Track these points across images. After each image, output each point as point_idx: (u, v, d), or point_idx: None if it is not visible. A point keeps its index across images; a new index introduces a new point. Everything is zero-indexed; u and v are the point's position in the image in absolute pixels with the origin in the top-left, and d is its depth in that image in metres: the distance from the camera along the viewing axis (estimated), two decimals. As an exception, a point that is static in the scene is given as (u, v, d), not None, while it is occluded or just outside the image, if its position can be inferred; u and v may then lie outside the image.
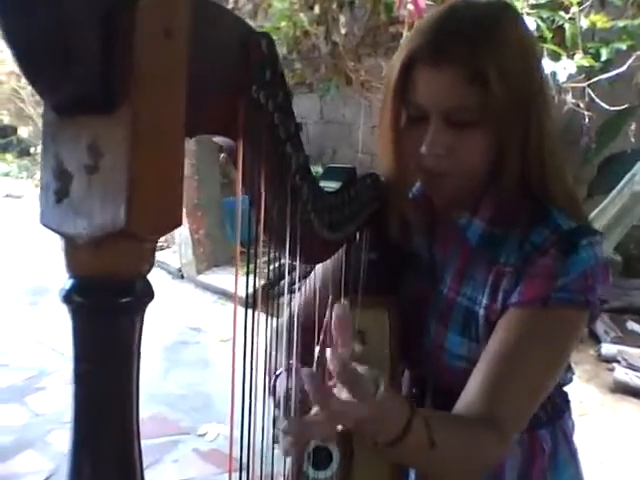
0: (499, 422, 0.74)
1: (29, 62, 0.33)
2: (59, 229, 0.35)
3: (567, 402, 0.97)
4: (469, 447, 0.75)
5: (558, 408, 0.94)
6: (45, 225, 0.36)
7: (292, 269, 0.69)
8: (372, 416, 0.62)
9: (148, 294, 0.37)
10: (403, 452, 0.68)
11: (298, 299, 0.86)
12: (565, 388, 0.96)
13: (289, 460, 0.79)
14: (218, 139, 0.50)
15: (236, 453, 0.53)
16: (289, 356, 0.75)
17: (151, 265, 0.37)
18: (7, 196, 5.90)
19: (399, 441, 0.65)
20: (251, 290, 0.55)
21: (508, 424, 0.75)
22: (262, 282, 0.58)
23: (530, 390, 0.78)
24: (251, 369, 0.53)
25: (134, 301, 0.36)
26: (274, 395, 0.80)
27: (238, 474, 0.55)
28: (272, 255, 0.61)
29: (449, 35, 0.74)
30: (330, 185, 0.75)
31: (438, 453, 0.69)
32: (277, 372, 0.81)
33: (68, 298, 0.36)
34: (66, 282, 0.36)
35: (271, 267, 0.61)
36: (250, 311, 0.53)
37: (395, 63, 0.79)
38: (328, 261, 0.84)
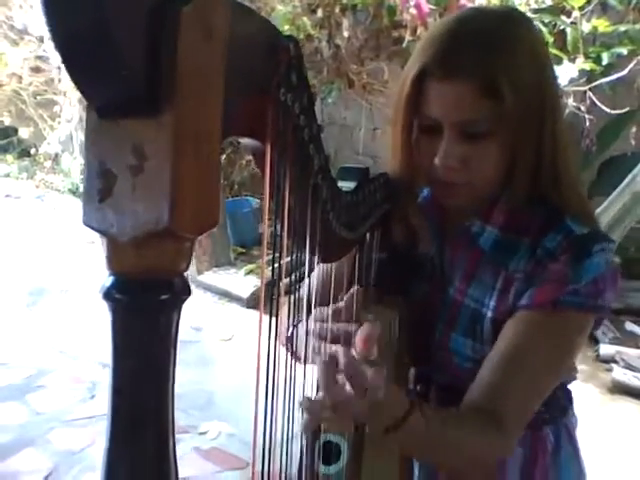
0: (502, 418, 0.76)
1: (75, 64, 0.34)
2: (101, 228, 0.36)
3: (570, 400, 0.98)
4: (469, 442, 0.76)
5: (562, 406, 0.95)
6: (87, 225, 0.36)
7: (302, 265, 0.69)
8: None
9: (185, 291, 0.38)
10: (400, 440, 0.70)
11: (311, 283, 0.87)
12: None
13: (298, 456, 0.81)
14: (244, 141, 0.51)
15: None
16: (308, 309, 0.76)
17: (188, 263, 0.38)
18: (7, 196, 5.89)
19: (395, 430, 0.66)
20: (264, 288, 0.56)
21: (510, 421, 0.77)
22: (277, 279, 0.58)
23: (533, 389, 0.80)
24: (273, 369, 0.54)
25: (172, 298, 0.37)
26: (291, 347, 0.81)
27: (248, 470, 0.56)
28: (292, 254, 0.62)
29: (460, 47, 0.74)
30: (346, 185, 0.76)
31: (437, 445, 0.71)
32: (295, 323, 0.82)
33: (108, 295, 0.37)
34: (107, 279, 0.37)
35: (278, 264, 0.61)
36: (264, 310, 0.54)
37: (407, 75, 0.79)
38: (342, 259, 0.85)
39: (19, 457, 2.49)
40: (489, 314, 0.84)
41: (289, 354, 0.75)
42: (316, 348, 0.74)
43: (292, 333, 0.83)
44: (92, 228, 0.37)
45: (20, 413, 2.79)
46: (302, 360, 0.76)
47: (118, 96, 0.35)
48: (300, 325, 0.83)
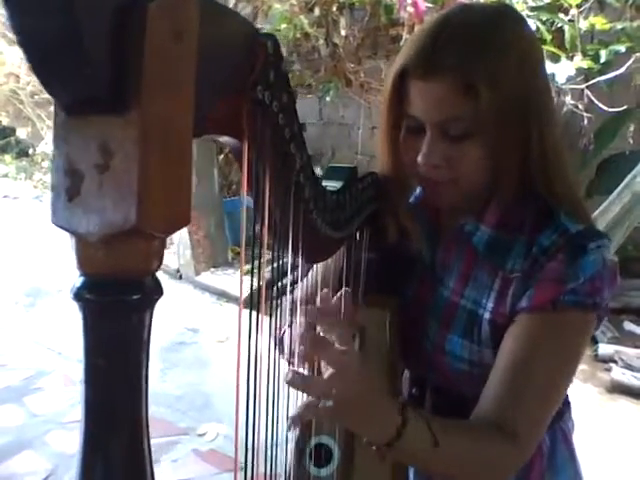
0: (515, 430, 0.75)
1: (41, 63, 0.33)
2: (70, 227, 0.36)
3: (567, 403, 0.97)
4: (478, 453, 0.75)
5: (558, 409, 0.94)
6: (56, 224, 0.36)
7: (292, 268, 0.69)
8: (359, 396, 0.64)
9: (157, 291, 0.38)
10: (403, 452, 0.69)
11: (301, 286, 0.87)
12: None
13: (290, 458, 0.80)
14: (223, 139, 0.51)
15: (242, 453, 0.54)
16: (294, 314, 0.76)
17: (160, 262, 0.38)
18: (5, 197, 5.90)
19: (395, 440, 0.66)
20: (253, 290, 0.55)
21: (524, 432, 0.76)
22: (263, 281, 0.58)
23: (545, 397, 0.79)
24: (256, 370, 0.54)
25: (143, 298, 0.37)
26: (281, 348, 0.81)
27: (241, 474, 0.56)
28: (274, 254, 0.62)
29: (439, 47, 0.73)
30: (332, 184, 0.76)
31: (441, 455, 0.70)
32: (285, 325, 0.82)
33: (78, 295, 0.36)
34: (77, 280, 0.36)
35: (270, 267, 0.61)
36: (253, 311, 0.54)
37: (390, 74, 0.79)
38: (329, 260, 0.85)
39: (17, 459, 2.49)
40: (486, 315, 0.83)
41: (280, 356, 0.75)
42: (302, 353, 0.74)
43: (282, 336, 0.83)
44: (61, 228, 0.36)
45: (17, 415, 2.79)
46: (291, 363, 0.75)
47: (84, 94, 0.34)
48: (289, 328, 0.82)
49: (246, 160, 0.48)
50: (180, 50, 0.36)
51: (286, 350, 0.78)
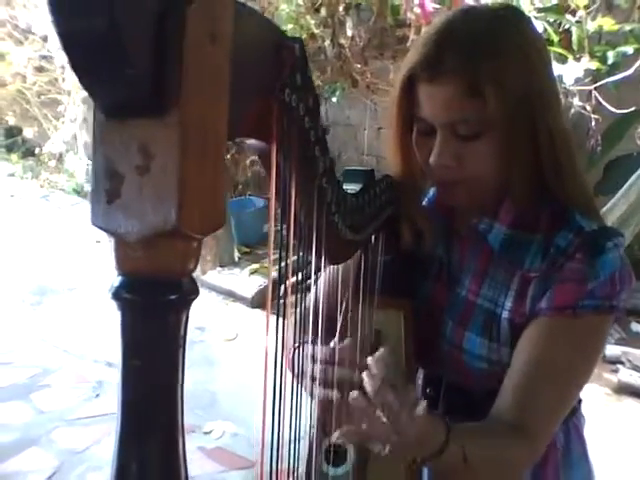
0: (530, 430, 0.77)
1: (83, 65, 0.34)
2: (110, 229, 0.36)
3: (579, 400, 0.98)
4: (499, 458, 0.78)
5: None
6: (96, 225, 0.37)
7: (308, 267, 0.69)
8: (413, 435, 0.66)
9: (193, 291, 0.38)
10: (437, 466, 0.73)
11: (318, 287, 0.88)
12: None
13: (305, 457, 0.81)
14: (250, 142, 0.51)
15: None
16: (310, 331, 0.77)
17: (196, 263, 0.38)
18: (12, 196, 5.91)
19: (435, 458, 0.70)
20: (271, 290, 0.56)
21: (539, 432, 0.78)
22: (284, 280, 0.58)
23: (560, 399, 0.81)
24: (276, 368, 0.54)
25: (181, 298, 0.37)
26: (292, 368, 0.82)
27: (254, 470, 0.56)
28: (298, 255, 0.62)
29: (445, 50, 0.75)
30: (351, 187, 0.77)
31: (470, 465, 0.72)
32: (296, 345, 0.83)
33: (117, 295, 0.37)
34: (115, 279, 0.37)
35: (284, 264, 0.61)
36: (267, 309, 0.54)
37: (398, 78, 0.81)
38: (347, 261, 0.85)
39: (23, 456, 2.50)
40: (505, 315, 0.84)
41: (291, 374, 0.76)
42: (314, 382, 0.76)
43: (294, 355, 0.83)
44: (100, 228, 0.37)
45: (24, 412, 2.80)
46: (302, 384, 0.76)
47: (125, 96, 0.35)
48: (302, 348, 0.83)
49: (274, 163, 0.49)
50: (216, 52, 0.37)
51: (296, 370, 0.79)
